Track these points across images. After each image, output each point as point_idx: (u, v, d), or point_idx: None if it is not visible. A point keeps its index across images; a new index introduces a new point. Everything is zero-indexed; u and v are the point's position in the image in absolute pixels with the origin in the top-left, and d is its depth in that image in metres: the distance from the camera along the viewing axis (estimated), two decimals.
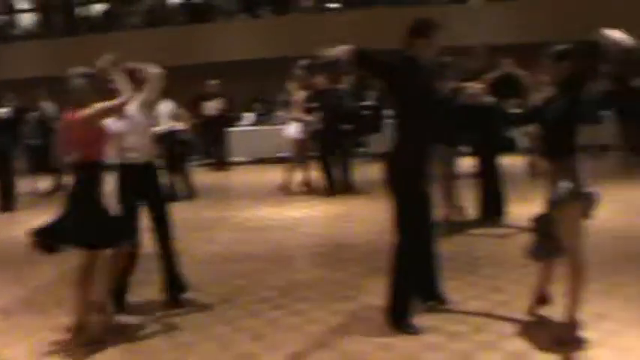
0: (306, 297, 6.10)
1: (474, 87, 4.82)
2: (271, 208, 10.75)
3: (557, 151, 4.73)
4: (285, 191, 11.91)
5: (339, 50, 4.74)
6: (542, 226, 4.92)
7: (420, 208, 4.95)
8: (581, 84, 4.72)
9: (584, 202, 4.65)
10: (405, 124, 4.93)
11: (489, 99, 4.55)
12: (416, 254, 4.99)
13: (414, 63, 4.89)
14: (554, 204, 4.70)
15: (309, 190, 11.84)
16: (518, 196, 9.17)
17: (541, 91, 7.61)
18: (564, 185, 4.61)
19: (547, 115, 4.79)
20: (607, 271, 6.22)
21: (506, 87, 8.65)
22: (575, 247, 4.67)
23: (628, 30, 4.59)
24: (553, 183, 4.73)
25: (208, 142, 16.36)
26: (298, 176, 12.11)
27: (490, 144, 8.65)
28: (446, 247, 7.28)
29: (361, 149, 14.90)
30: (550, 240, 4.87)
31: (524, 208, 8.92)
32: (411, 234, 4.91)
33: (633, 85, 14.57)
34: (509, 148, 9.51)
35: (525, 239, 7.10)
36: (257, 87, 18.76)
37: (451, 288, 5.86)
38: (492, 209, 8.72)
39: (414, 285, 5.09)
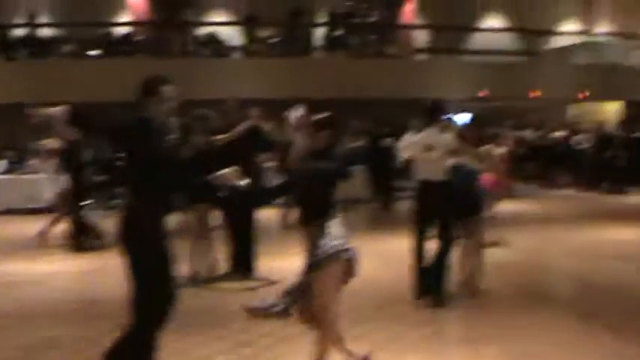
0: (52, 356, 5.88)
1: (227, 174, 4.76)
2: (21, 263, 10.21)
3: (315, 213, 4.89)
4: (40, 244, 11.34)
5: (54, 110, 4.53)
6: (296, 290, 5.05)
7: (156, 267, 4.73)
8: (335, 148, 4.97)
9: (344, 261, 4.81)
10: (139, 183, 4.71)
11: (243, 183, 4.66)
12: (153, 313, 4.77)
13: (147, 123, 4.63)
14: (314, 264, 4.83)
15: (66, 242, 11.34)
16: (272, 249, 9.43)
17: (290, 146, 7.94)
18: (325, 245, 4.79)
19: (302, 181, 4.97)
20: (357, 319, 6.56)
21: (254, 140, 8.86)
22: (328, 306, 4.81)
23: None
24: (312, 244, 4.90)
25: None
26: (56, 228, 11.57)
27: (242, 200, 8.71)
28: (196, 302, 7.37)
29: (116, 201, 14.56)
30: (297, 299, 5.03)
31: (276, 261, 9.25)
32: (147, 291, 4.72)
33: (383, 145, 15.62)
34: (264, 202, 9.75)
35: (275, 291, 7.34)
36: (9, 133, 17.80)
37: (199, 343, 5.90)
38: (243, 263, 8.80)
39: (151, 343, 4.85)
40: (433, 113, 7.64)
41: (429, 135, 7.51)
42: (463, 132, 7.91)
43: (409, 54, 22.96)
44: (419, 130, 8.31)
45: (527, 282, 8.07)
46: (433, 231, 7.49)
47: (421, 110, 7.81)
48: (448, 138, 7.58)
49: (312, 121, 4.99)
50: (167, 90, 4.64)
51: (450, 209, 7.39)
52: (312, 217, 4.91)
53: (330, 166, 4.90)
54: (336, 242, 4.79)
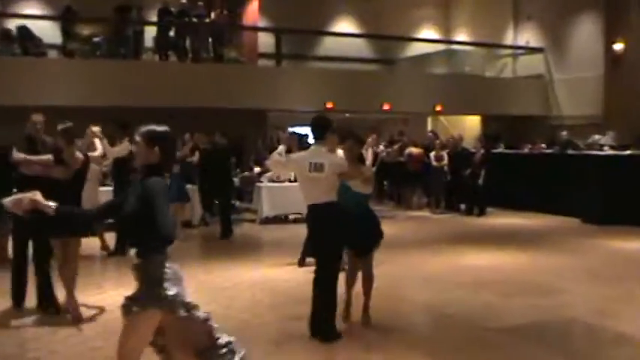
0: None
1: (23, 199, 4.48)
2: None
3: (137, 247, 4.58)
4: None
5: None
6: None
7: None
8: (165, 169, 4.71)
9: (165, 307, 4.47)
10: None
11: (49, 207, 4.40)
12: None
13: None
14: (127, 309, 4.53)
15: None
16: (91, 284, 9.08)
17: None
18: (145, 289, 4.50)
19: (124, 208, 4.66)
20: None
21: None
22: (129, 356, 4.54)
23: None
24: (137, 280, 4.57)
25: None
26: None
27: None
28: None
29: None
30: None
31: (91, 296, 8.92)
32: None
33: (222, 161, 15.47)
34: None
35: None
36: None
37: None
38: (44, 298, 8.47)
39: None
40: (321, 129, 7.44)
41: (318, 153, 7.31)
42: (349, 149, 7.67)
43: (251, 59, 22.94)
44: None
45: (380, 314, 8.09)
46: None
47: (311, 124, 7.56)
48: (339, 158, 7.44)
49: (145, 134, 4.69)
50: None
51: (340, 235, 7.27)
52: (136, 251, 4.59)
53: (155, 187, 4.57)
54: (155, 286, 4.47)
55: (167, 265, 4.56)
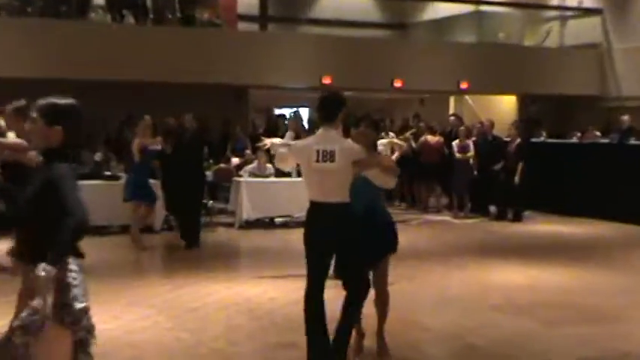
0: None
1: None
2: None
3: (34, 250, 4.52)
4: None
5: None
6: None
7: None
8: (70, 153, 4.68)
9: (76, 324, 4.52)
10: None
11: None
12: None
13: None
14: (28, 329, 4.48)
15: None
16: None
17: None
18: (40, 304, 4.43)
19: (20, 199, 4.65)
20: None
21: None
22: None
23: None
24: (36, 291, 4.48)
25: None
26: None
27: None
28: None
29: None
30: None
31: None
32: None
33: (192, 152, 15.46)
34: None
35: None
36: None
37: None
38: None
39: None
40: (333, 106, 7.26)
41: (327, 138, 7.11)
42: (364, 133, 7.52)
43: (230, 22, 22.92)
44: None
45: (391, 342, 8.11)
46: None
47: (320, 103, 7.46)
48: (353, 143, 7.24)
49: (43, 109, 4.69)
50: None
51: (356, 240, 7.17)
52: (32, 256, 4.51)
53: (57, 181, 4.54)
54: (61, 299, 4.49)
55: (74, 267, 4.58)
